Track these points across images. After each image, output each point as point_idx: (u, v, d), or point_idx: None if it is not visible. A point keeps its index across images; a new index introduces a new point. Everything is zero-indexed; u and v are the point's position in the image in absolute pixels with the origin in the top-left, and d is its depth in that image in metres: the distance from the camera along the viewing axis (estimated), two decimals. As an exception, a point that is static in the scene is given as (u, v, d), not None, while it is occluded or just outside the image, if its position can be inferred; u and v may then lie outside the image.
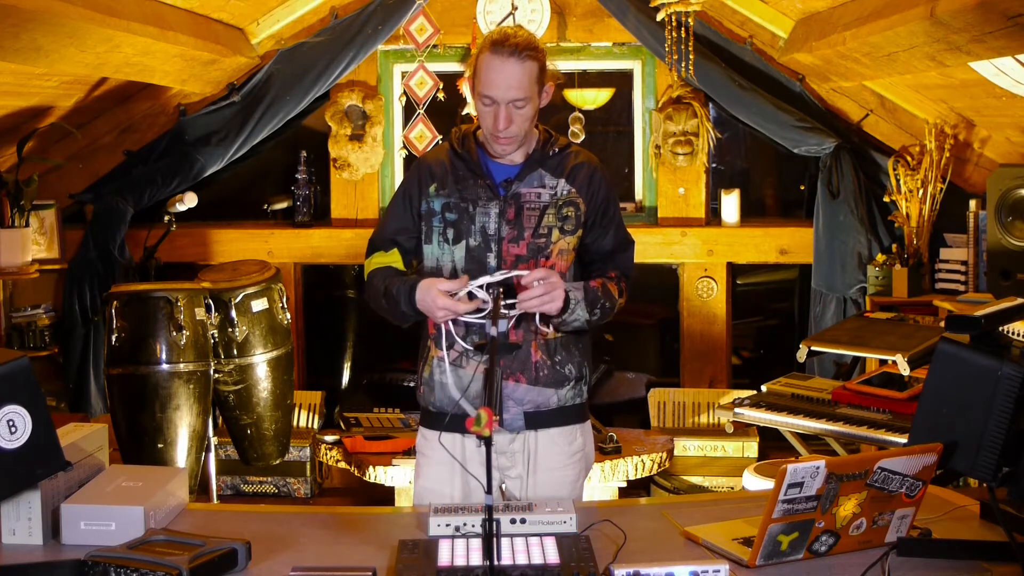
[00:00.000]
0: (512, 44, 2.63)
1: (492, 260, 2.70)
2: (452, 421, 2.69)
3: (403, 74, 5.63)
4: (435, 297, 2.58)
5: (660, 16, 4.86)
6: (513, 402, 2.71)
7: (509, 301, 2.59)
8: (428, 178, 2.79)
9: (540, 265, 2.69)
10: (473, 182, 2.75)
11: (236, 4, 5.00)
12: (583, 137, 5.52)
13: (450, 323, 2.65)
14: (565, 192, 2.74)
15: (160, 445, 3.75)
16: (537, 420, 2.75)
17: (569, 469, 2.80)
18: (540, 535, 2.24)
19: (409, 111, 5.59)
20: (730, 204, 5.58)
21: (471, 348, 2.70)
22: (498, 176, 2.76)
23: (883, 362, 3.86)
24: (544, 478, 2.77)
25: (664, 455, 4.55)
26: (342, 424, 5.02)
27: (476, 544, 2.17)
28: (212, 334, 3.88)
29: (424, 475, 2.84)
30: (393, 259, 2.80)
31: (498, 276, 2.61)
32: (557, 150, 2.78)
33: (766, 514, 2.04)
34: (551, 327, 2.69)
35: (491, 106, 2.65)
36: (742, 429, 4.78)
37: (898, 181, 5.06)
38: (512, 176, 2.75)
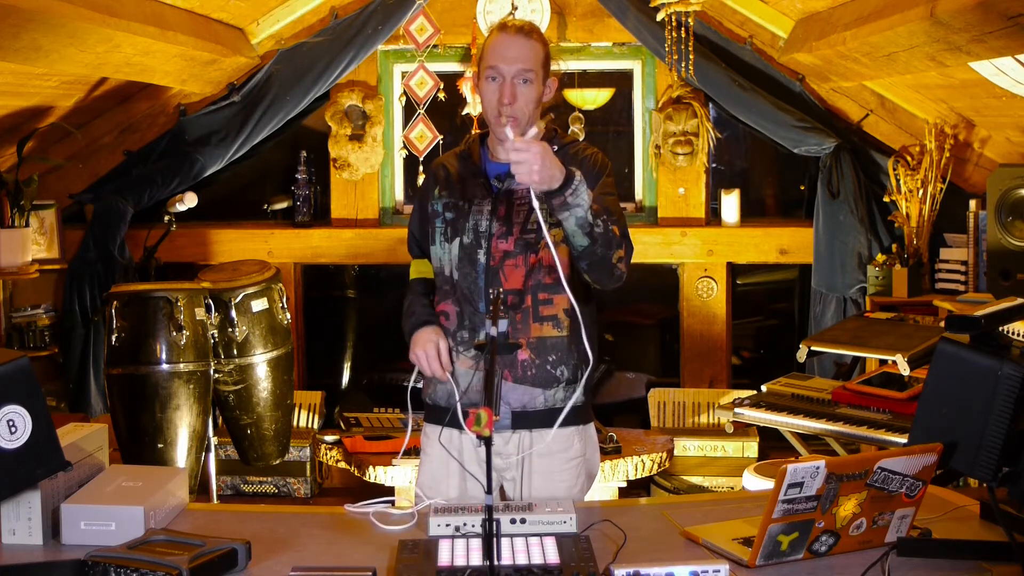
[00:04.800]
0: (520, 23, 2.72)
1: (482, 257, 2.70)
2: (451, 418, 2.69)
3: (403, 74, 5.63)
4: (425, 345, 2.69)
5: (660, 16, 4.86)
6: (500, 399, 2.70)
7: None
8: (433, 182, 2.85)
9: (529, 262, 2.68)
10: (472, 181, 2.77)
11: (236, 4, 5.00)
12: (583, 137, 5.52)
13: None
14: None
15: (160, 445, 3.75)
16: (524, 420, 2.71)
17: (565, 474, 2.75)
18: (540, 535, 2.24)
19: (409, 111, 5.59)
20: (730, 204, 5.58)
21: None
22: (493, 174, 2.77)
23: (883, 362, 3.86)
24: (539, 482, 2.73)
25: (664, 455, 4.55)
26: (342, 424, 5.02)
27: (476, 544, 2.17)
28: (212, 334, 3.88)
29: (423, 471, 2.85)
30: (424, 266, 2.87)
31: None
32: (558, 147, 2.77)
33: (766, 514, 2.04)
34: (554, 210, 2.51)
35: (496, 81, 2.67)
36: (742, 429, 4.78)
37: (898, 181, 5.06)
38: (504, 173, 2.73)
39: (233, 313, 3.92)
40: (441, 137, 5.47)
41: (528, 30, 2.71)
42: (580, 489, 2.81)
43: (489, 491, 1.91)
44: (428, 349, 2.67)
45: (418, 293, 2.85)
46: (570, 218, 2.49)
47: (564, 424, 2.71)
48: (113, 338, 3.79)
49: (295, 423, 5.30)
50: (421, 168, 5.48)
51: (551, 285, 2.68)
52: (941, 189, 5.01)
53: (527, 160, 2.39)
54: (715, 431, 5.32)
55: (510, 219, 2.71)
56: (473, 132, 2.88)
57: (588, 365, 2.75)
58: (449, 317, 2.74)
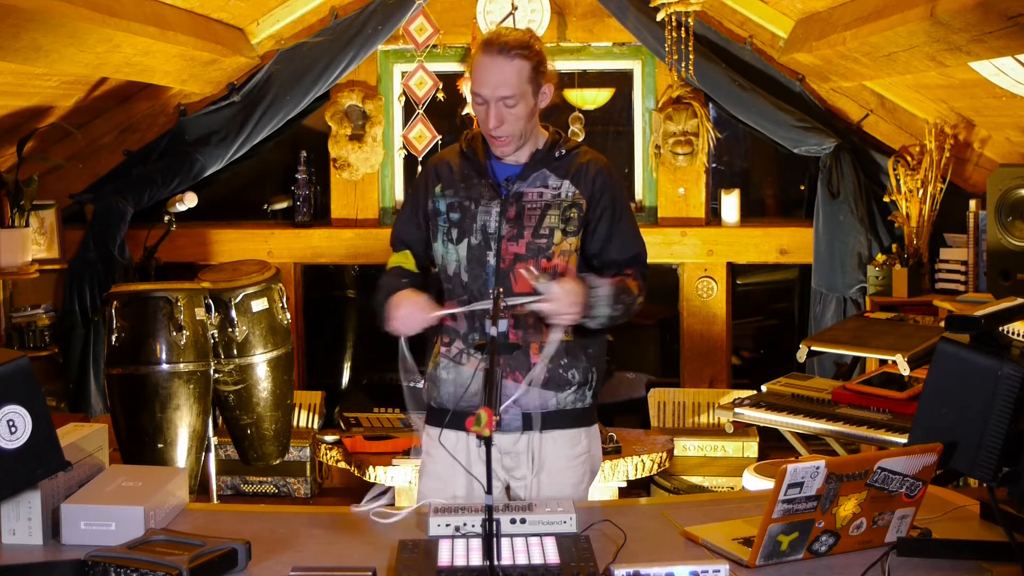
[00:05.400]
0: (501, 42, 2.65)
1: (491, 259, 2.70)
2: (454, 419, 2.69)
3: (403, 74, 5.63)
4: (403, 306, 2.63)
5: (660, 16, 4.86)
6: (511, 401, 2.71)
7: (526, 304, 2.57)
8: (435, 179, 2.82)
9: (541, 266, 2.69)
10: (478, 182, 2.76)
11: (236, 4, 5.00)
12: (583, 137, 5.52)
13: (402, 340, 2.67)
14: (570, 194, 2.73)
15: (160, 445, 3.75)
16: (535, 421, 2.74)
17: (573, 471, 2.78)
18: (540, 535, 2.24)
19: (409, 111, 5.59)
20: (730, 204, 5.58)
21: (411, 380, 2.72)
22: (501, 176, 2.76)
23: (883, 362, 3.86)
24: (548, 480, 2.75)
25: (664, 455, 4.55)
26: (342, 424, 5.02)
27: (476, 544, 2.16)
28: (212, 334, 3.88)
29: (427, 473, 2.85)
30: (405, 259, 2.86)
31: (480, 305, 2.62)
32: (564, 151, 2.77)
33: (766, 514, 2.04)
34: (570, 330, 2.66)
35: (483, 105, 2.68)
36: (742, 429, 4.78)
37: (898, 181, 5.06)
38: (514, 176, 2.75)
39: (233, 313, 3.92)
40: (440, 137, 5.47)
41: (510, 47, 2.64)
42: (585, 486, 2.84)
43: (489, 491, 1.91)
44: (401, 311, 2.64)
45: (393, 275, 2.83)
46: (592, 322, 2.65)
47: (568, 426, 2.77)
48: (113, 338, 3.79)
49: (295, 423, 5.30)
50: (420, 168, 5.48)
51: None
52: (941, 189, 5.01)
53: (564, 313, 2.54)
54: (715, 431, 5.32)
55: (520, 222, 2.71)
56: (474, 129, 2.86)
57: (600, 369, 2.80)
58: (458, 319, 2.74)
